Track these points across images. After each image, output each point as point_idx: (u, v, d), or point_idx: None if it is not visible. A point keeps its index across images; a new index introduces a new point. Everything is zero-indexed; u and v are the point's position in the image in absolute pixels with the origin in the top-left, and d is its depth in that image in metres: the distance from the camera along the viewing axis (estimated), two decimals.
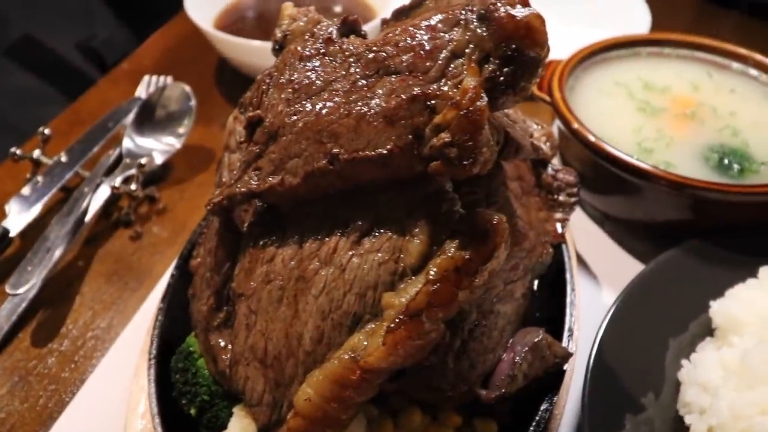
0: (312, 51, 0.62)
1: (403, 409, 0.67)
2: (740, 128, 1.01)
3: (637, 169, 0.89)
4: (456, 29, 0.55)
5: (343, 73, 0.59)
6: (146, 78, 1.29)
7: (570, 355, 0.71)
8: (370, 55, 0.58)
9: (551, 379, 0.71)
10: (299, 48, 0.63)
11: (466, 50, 0.54)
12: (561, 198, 0.82)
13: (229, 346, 0.65)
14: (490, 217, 0.56)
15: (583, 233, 1.02)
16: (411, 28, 0.57)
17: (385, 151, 0.54)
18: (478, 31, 0.54)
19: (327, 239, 0.59)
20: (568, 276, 0.82)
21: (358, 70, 0.58)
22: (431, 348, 0.56)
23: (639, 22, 1.42)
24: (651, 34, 1.21)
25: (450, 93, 0.53)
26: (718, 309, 0.76)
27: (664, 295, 0.82)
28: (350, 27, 0.64)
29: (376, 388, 0.56)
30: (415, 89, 0.54)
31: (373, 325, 0.55)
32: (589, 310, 0.87)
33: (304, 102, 0.60)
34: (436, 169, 0.53)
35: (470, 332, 0.66)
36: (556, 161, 0.90)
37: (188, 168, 1.15)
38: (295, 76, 0.62)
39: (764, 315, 0.69)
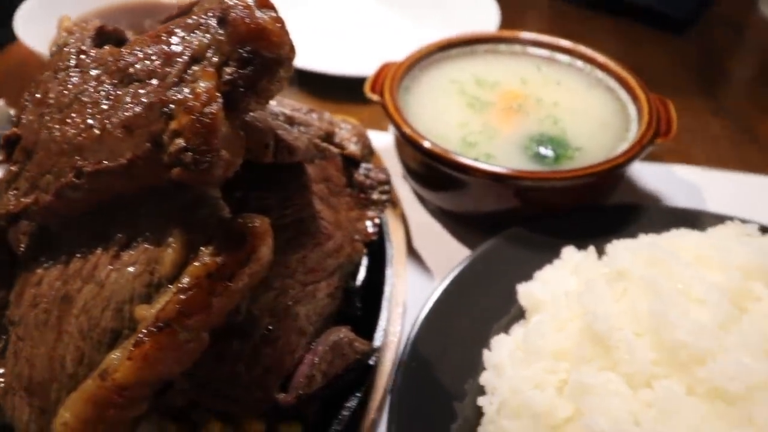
0: (65, 64, 0.60)
1: (203, 423, 0.66)
2: (561, 117, 1.05)
3: (454, 163, 0.91)
4: (196, 33, 0.55)
5: (93, 83, 0.57)
6: None
7: (373, 350, 0.72)
8: (115, 65, 0.56)
9: (361, 375, 0.72)
10: (55, 62, 0.61)
11: (207, 54, 0.54)
12: (374, 196, 0.83)
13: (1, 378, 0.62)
14: (249, 220, 0.56)
15: (421, 229, 1.03)
16: (157, 35, 0.57)
17: (125, 161, 0.53)
18: (218, 35, 0.54)
19: (90, 256, 0.58)
20: (388, 272, 0.84)
21: (105, 80, 0.57)
22: (195, 358, 0.55)
23: (488, 21, 1.47)
24: (486, 32, 1.25)
25: (184, 98, 0.52)
26: (523, 291, 0.78)
27: (486, 283, 0.85)
28: (108, 37, 0.62)
29: (144, 403, 0.55)
30: (152, 96, 0.53)
31: (129, 341, 0.54)
32: (421, 303, 0.88)
33: (55, 116, 0.58)
34: (178, 175, 0.52)
35: (263, 337, 0.65)
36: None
37: None
38: (50, 90, 0.60)
39: (559, 293, 0.72)
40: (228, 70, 0.53)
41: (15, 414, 0.58)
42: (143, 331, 0.51)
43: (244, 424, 0.67)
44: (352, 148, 0.82)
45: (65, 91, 0.58)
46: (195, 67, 0.54)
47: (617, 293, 0.63)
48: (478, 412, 0.69)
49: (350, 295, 0.82)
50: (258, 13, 0.53)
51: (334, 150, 0.78)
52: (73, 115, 0.56)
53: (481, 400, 0.67)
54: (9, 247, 0.65)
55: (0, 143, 0.61)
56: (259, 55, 0.53)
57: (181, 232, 0.55)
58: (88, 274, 0.57)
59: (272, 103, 0.75)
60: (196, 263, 0.53)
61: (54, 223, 0.61)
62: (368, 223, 0.81)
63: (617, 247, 0.71)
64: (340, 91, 1.29)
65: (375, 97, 1.05)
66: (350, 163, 0.83)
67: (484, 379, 0.69)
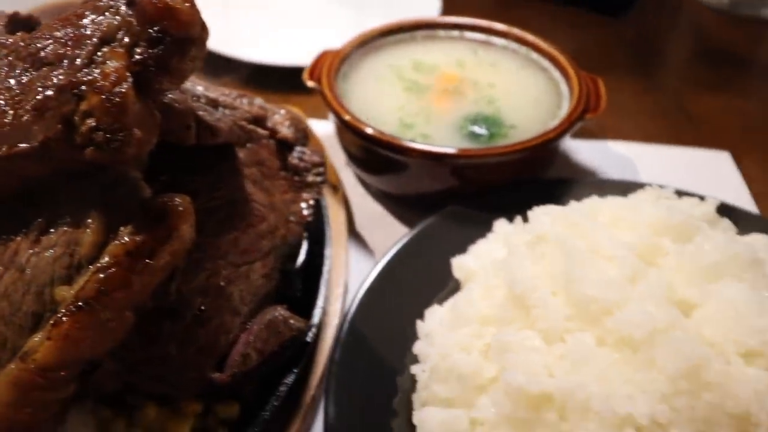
0: None
1: (139, 407, 0.66)
2: (496, 97, 1.08)
3: (391, 145, 0.93)
4: (106, 15, 0.55)
5: (5, 69, 0.57)
6: None
7: (309, 327, 0.73)
8: (26, 50, 0.57)
9: (298, 352, 0.73)
10: None
11: (117, 36, 0.55)
12: (309, 178, 0.84)
13: None
14: (169, 199, 0.56)
15: (364, 212, 1.05)
16: (67, 18, 0.57)
17: (37, 143, 0.53)
18: (127, 16, 0.55)
19: (10, 243, 0.57)
20: (326, 252, 0.85)
21: (17, 64, 0.57)
22: (120, 337, 0.55)
23: (429, 8, 1.49)
24: (425, 18, 1.27)
25: (94, 79, 0.53)
26: (457, 264, 0.80)
27: (423, 260, 0.86)
28: (20, 24, 0.62)
29: (69, 385, 0.55)
30: (62, 78, 0.53)
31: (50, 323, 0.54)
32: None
33: None
34: (92, 155, 0.53)
35: (196, 318, 0.66)
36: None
37: None
38: None
39: (488, 263, 0.74)
40: (138, 50, 0.54)
41: None
42: (62, 311, 0.52)
43: (181, 406, 0.68)
44: (285, 131, 0.83)
45: None
46: (105, 49, 0.54)
47: (536, 257, 0.66)
48: (414, 382, 0.71)
49: (290, 276, 0.83)
50: None
51: (262, 132, 0.78)
52: None
53: (414, 369, 0.69)
54: None
55: None
56: (168, 35, 0.54)
57: (100, 213, 0.55)
58: (9, 260, 0.57)
59: (199, 88, 0.76)
60: (115, 242, 0.54)
61: None
62: (303, 205, 0.82)
63: (537, 214, 0.74)
64: (282, 81, 1.29)
65: (312, 84, 1.06)
66: (284, 146, 0.84)
67: (417, 348, 0.71)
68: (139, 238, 0.54)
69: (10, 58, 0.57)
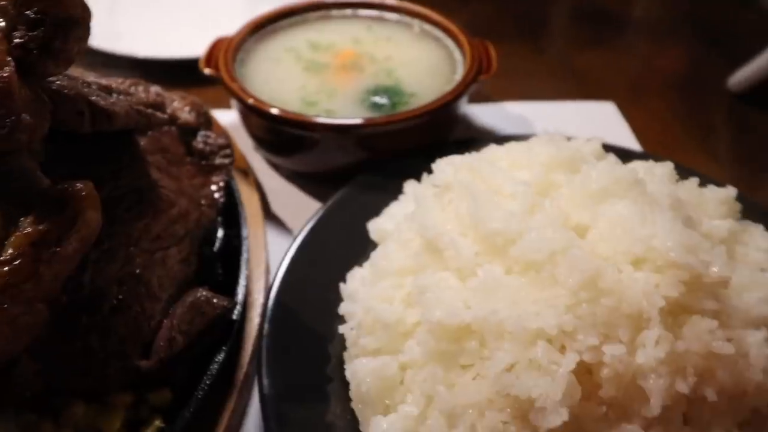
0: None
1: (64, 407, 0.64)
2: (394, 69, 1.11)
3: (297, 122, 0.94)
4: None
5: None
6: None
7: (233, 304, 0.74)
8: None
9: (226, 331, 0.73)
10: None
11: None
12: (216, 161, 0.84)
13: None
14: (69, 185, 0.55)
15: (278, 194, 1.05)
16: None
17: None
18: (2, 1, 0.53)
19: None
20: (243, 233, 0.85)
21: None
22: (34, 332, 0.54)
23: None
24: (317, 0, 1.28)
25: None
26: (373, 227, 0.83)
27: (340, 229, 0.88)
28: None
29: None
30: None
31: None
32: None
33: None
34: None
35: (113, 308, 0.65)
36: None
37: None
38: None
39: (400, 221, 0.77)
40: (17, 34, 0.52)
41: None
42: None
43: (110, 400, 0.66)
44: (186, 116, 0.82)
45: None
46: None
47: (444, 204, 0.69)
48: (343, 342, 0.73)
49: (209, 260, 0.83)
50: None
51: (162, 117, 0.77)
52: None
53: (342, 328, 0.71)
54: None
55: None
56: (48, 16, 0.53)
57: None
58: None
59: (90, 76, 0.74)
60: (17, 234, 0.52)
61: None
62: (213, 188, 0.81)
63: (441, 165, 0.77)
64: (176, 76, 1.27)
65: (210, 72, 1.05)
66: (186, 132, 0.83)
67: (342, 309, 0.73)
68: (43, 227, 0.53)
69: None
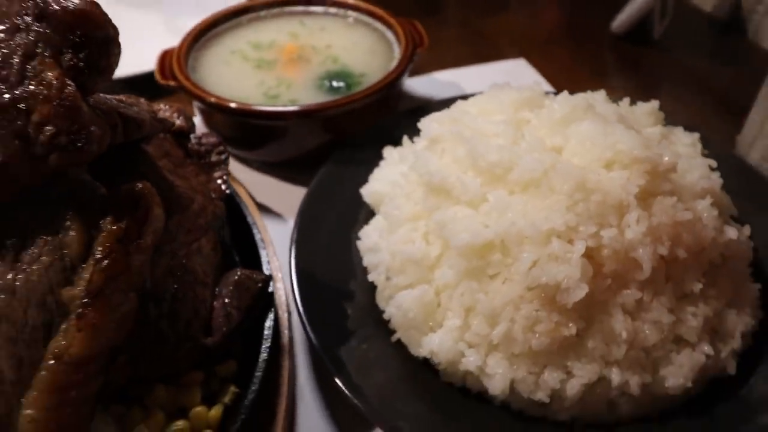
0: None
1: (146, 393, 0.70)
2: (338, 55, 1.21)
3: (269, 114, 1.02)
4: (19, 35, 0.58)
5: None
6: None
7: (269, 277, 0.82)
8: None
9: (266, 301, 0.81)
10: None
11: (37, 50, 0.58)
12: (213, 159, 0.91)
13: None
14: (133, 185, 0.61)
15: (257, 187, 1.12)
16: None
17: None
18: (41, 30, 0.58)
19: None
20: (249, 220, 0.93)
21: None
22: (132, 319, 0.60)
23: None
24: (246, 3, 1.35)
25: (37, 91, 0.56)
26: (365, 192, 0.93)
27: (333, 201, 0.97)
28: None
29: (99, 376, 0.59)
30: (2, 98, 0.56)
31: (64, 325, 0.57)
32: (286, 240, 0.98)
33: None
34: (57, 161, 0.56)
35: (173, 296, 0.71)
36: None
37: None
38: None
39: (395, 178, 0.88)
40: (66, 57, 0.58)
41: None
42: (80, 304, 0.56)
43: (185, 380, 0.73)
44: (179, 122, 0.88)
45: None
46: (32, 63, 0.57)
47: (438, 154, 0.81)
48: (371, 290, 0.83)
49: (226, 248, 0.90)
50: (73, 2, 0.59)
51: (169, 122, 0.83)
52: None
53: (371, 276, 0.81)
54: None
55: None
56: (90, 38, 0.59)
57: (74, 215, 0.59)
58: None
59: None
60: (102, 234, 0.58)
61: None
62: (218, 182, 0.88)
63: (427, 122, 0.89)
64: (133, 91, 1.29)
65: (167, 82, 1.10)
66: (181, 136, 0.89)
67: (367, 260, 0.83)
68: (124, 224, 0.59)
69: None
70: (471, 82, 1.38)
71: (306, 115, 1.04)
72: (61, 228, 0.59)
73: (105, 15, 0.60)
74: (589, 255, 0.67)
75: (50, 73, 0.56)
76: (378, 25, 1.28)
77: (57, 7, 0.57)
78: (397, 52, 1.20)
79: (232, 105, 1.03)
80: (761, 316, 0.78)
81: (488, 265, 0.70)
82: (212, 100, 1.04)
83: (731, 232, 0.74)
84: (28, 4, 0.58)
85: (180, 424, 0.69)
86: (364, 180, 0.98)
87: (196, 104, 1.12)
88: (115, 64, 0.61)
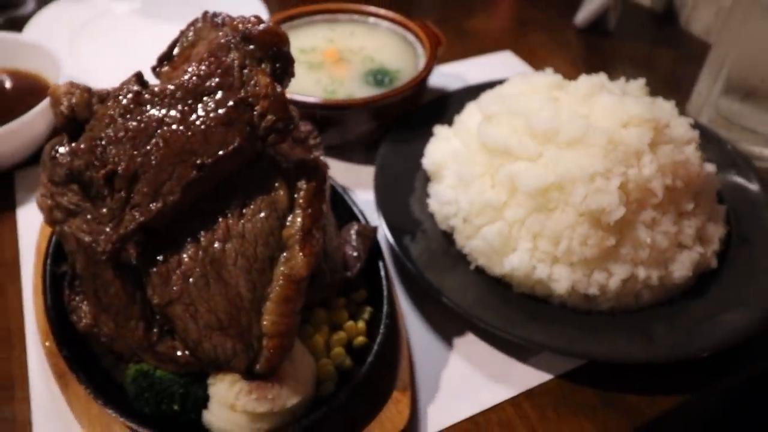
0: (126, 108, 0.80)
1: (311, 314, 0.94)
2: (372, 55, 1.45)
3: (336, 105, 1.26)
4: (233, 52, 0.81)
5: (166, 110, 0.79)
6: None
7: (376, 228, 1.06)
8: (182, 90, 0.79)
9: (375, 245, 1.06)
10: (112, 110, 0.80)
11: (247, 62, 0.81)
12: (311, 142, 1.14)
13: (178, 344, 0.82)
14: (309, 156, 0.85)
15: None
16: (200, 61, 0.80)
17: (236, 145, 0.78)
18: (246, 47, 0.81)
19: (215, 226, 0.81)
20: (339, 189, 1.17)
21: (177, 102, 0.79)
22: (321, 251, 0.84)
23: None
24: (283, 14, 1.56)
25: (257, 90, 0.79)
26: (426, 162, 1.19)
27: (399, 170, 1.22)
28: (142, 80, 0.82)
29: (303, 295, 0.82)
30: (232, 97, 0.78)
31: (286, 255, 0.80)
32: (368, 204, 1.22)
33: (145, 142, 0.78)
34: (274, 140, 0.79)
35: (324, 245, 0.95)
36: None
37: None
38: (123, 130, 0.79)
39: (451, 150, 1.14)
40: (267, 67, 0.81)
41: (218, 350, 0.79)
42: (299, 238, 0.79)
43: (335, 304, 0.97)
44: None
45: (144, 123, 0.79)
46: (245, 72, 0.80)
47: (495, 125, 1.08)
48: (445, 235, 1.09)
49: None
50: (265, 24, 0.81)
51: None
52: (168, 133, 0.78)
53: (452, 221, 1.07)
54: (124, 264, 0.82)
55: (102, 182, 0.78)
56: (280, 51, 0.82)
57: (281, 179, 0.82)
58: (224, 236, 0.80)
59: None
60: (301, 191, 0.82)
61: (163, 223, 0.81)
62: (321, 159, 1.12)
63: (483, 100, 1.16)
64: None
65: None
66: None
67: (445, 211, 1.09)
68: (315, 183, 0.83)
69: (166, 100, 0.79)
70: (472, 73, 1.65)
71: (363, 105, 1.28)
72: (272, 189, 0.81)
73: (286, 34, 0.83)
74: (621, 187, 0.96)
75: (263, 78, 0.79)
76: (397, 28, 1.53)
77: (259, 31, 0.80)
78: (420, 51, 1.46)
79: (311, 100, 1.26)
80: (728, 228, 1.10)
81: (549, 201, 0.98)
82: (296, 97, 1.26)
83: (709, 167, 1.05)
84: (237, 30, 0.81)
85: (341, 333, 0.93)
86: (416, 155, 1.24)
87: None
88: (294, 70, 0.85)
